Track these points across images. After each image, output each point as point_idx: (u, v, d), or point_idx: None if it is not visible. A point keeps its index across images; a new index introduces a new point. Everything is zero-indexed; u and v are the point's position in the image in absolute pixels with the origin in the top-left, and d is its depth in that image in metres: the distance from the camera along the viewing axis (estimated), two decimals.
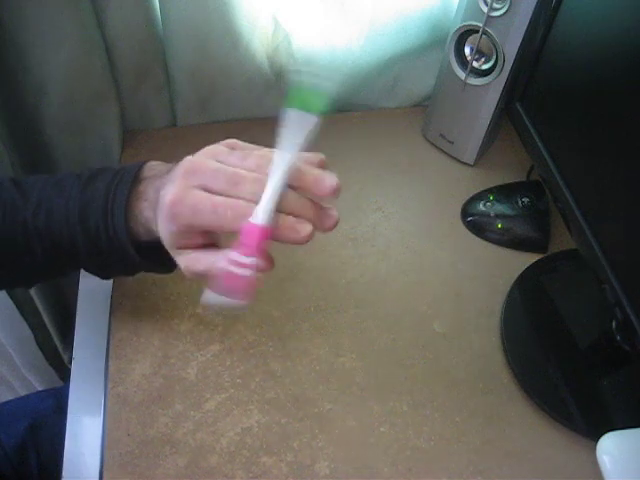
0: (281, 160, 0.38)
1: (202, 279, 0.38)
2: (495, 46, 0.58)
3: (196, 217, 0.37)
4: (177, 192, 0.37)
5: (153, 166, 0.44)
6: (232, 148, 0.40)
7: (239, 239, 0.36)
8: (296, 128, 0.39)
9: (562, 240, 0.62)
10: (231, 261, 0.36)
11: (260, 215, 0.36)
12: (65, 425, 0.51)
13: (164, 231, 0.39)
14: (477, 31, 0.58)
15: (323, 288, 0.56)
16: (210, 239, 0.40)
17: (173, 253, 0.40)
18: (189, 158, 0.39)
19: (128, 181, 0.42)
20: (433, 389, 0.50)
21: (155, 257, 0.44)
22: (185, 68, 0.65)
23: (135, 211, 0.42)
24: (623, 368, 0.53)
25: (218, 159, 0.39)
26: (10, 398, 0.71)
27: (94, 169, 0.45)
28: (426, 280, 0.58)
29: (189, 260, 0.39)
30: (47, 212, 0.43)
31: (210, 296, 0.37)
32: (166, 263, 0.43)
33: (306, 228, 0.37)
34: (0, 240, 0.43)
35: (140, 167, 0.43)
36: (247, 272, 0.36)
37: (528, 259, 0.60)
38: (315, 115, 0.39)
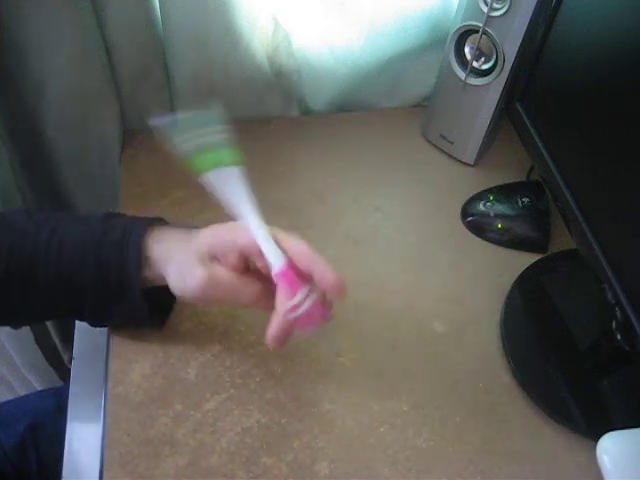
0: (247, 214, 0.41)
1: (213, 302, 0.40)
2: (495, 46, 0.58)
3: (220, 294, 0.42)
4: (198, 278, 0.41)
5: (162, 237, 0.46)
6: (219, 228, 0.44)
7: (280, 291, 0.39)
8: (230, 185, 0.42)
9: (562, 240, 0.62)
10: (292, 309, 0.39)
11: (275, 261, 0.39)
12: (65, 425, 0.51)
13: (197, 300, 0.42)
14: (477, 31, 0.58)
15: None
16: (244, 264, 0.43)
17: (204, 262, 0.42)
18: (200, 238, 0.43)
19: (146, 221, 0.45)
20: (433, 389, 0.50)
21: (152, 308, 0.46)
22: (185, 68, 0.65)
23: (148, 251, 0.44)
24: (623, 368, 0.53)
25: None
26: (10, 398, 0.71)
27: (100, 214, 0.47)
28: (426, 280, 0.58)
29: (225, 279, 0.42)
30: (60, 241, 0.44)
31: (306, 334, 0.40)
32: (158, 317, 0.48)
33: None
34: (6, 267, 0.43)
35: (152, 224, 0.46)
36: (310, 302, 0.38)
37: (528, 259, 0.60)
38: (233, 166, 0.42)
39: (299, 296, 0.39)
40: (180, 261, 0.43)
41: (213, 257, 0.42)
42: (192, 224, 0.47)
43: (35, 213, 0.46)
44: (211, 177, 0.41)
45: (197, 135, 0.42)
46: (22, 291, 0.44)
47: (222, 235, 0.43)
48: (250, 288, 0.42)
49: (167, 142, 0.41)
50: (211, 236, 0.43)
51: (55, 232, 0.44)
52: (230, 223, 0.42)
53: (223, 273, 0.42)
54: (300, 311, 0.39)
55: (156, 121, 0.41)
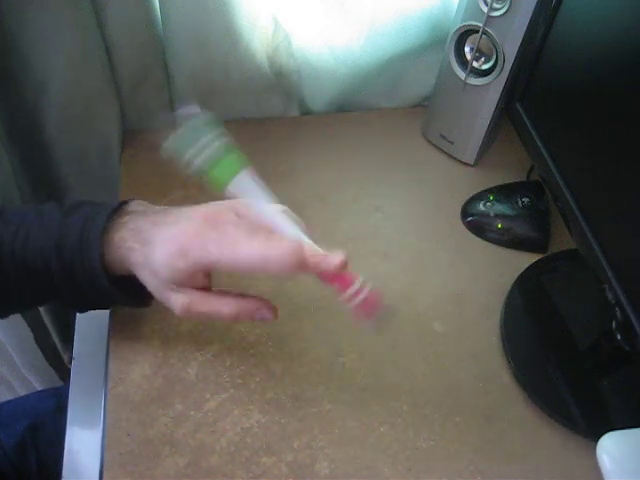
0: (270, 212, 0.41)
1: (196, 319, 0.39)
2: (495, 46, 0.58)
3: (217, 250, 0.38)
4: (197, 227, 0.39)
5: (141, 203, 0.45)
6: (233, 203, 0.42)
7: (337, 286, 0.40)
8: (248, 190, 0.41)
9: (562, 240, 0.62)
10: (350, 297, 0.39)
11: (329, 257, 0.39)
12: (65, 425, 0.50)
13: (169, 265, 0.39)
14: (477, 31, 0.58)
15: (323, 288, 0.56)
16: (206, 282, 0.41)
17: (166, 290, 0.41)
18: (207, 207, 0.41)
19: (106, 213, 0.42)
20: (433, 389, 0.50)
21: (131, 290, 0.44)
22: (185, 68, 0.65)
23: (114, 241, 0.42)
24: (623, 368, 0.53)
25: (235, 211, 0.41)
26: (10, 398, 0.71)
27: (77, 201, 0.45)
28: (426, 280, 0.58)
29: (195, 299, 0.40)
30: (25, 237, 0.42)
31: (370, 326, 0.40)
32: (142, 297, 0.44)
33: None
34: None
35: (125, 201, 0.44)
36: (365, 292, 0.39)
37: (528, 259, 0.60)
38: (244, 170, 0.41)
39: (355, 285, 0.39)
40: (149, 282, 0.42)
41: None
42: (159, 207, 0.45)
43: (3, 212, 0.44)
44: (232, 189, 0.41)
45: (202, 146, 0.41)
46: None
47: (189, 254, 0.40)
48: (227, 303, 0.41)
49: (176, 162, 0.41)
50: (171, 264, 0.40)
51: (19, 230, 0.43)
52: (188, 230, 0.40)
53: (200, 299, 0.41)
54: (360, 297, 0.39)
55: (163, 141, 0.41)
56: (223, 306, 0.41)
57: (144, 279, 0.42)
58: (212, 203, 0.42)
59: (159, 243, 0.40)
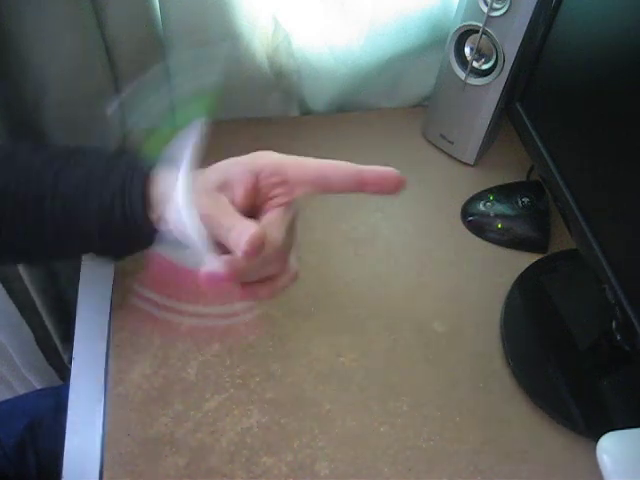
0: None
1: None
2: (495, 46, 0.58)
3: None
4: None
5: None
6: None
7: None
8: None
9: (562, 240, 0.62)
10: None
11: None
12: (64, 424, 0.50)
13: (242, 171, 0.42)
14: (477, 31, 0.58)
15: (323, 288, 0.56)
16: None
17: (228, 214, 0.40)
18: None
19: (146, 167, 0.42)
20: (433, 389, 0.50)
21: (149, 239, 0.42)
22: (185, 68, 0.65)
23: (153, 191, 0.41)
24: (623, 368, 0.53)
25: None
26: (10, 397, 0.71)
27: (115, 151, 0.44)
28: (426, 280, 0.58)
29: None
30: (67, 178, 0.42)
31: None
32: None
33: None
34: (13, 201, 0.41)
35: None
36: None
37: (528, 259, 0.60)
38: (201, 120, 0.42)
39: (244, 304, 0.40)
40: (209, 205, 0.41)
41: (223, 185, 0.41)
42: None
43: (39, 148, 0.44)
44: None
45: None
46: (29, 225, 0.43)
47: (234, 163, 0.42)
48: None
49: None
50: (221, 167, 0.42)
51: (60, 171, 0.42)
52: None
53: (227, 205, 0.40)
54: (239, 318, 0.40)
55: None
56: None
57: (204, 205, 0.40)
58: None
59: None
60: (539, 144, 0.54)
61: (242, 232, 0.37)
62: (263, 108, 0.72)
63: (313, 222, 0.62)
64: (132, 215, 0.42)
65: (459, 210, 0.65)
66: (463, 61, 0.63)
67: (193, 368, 0.50)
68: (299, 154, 0.71)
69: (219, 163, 0.42)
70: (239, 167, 0.42)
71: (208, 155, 0.72)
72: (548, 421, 0.49)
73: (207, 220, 0.39)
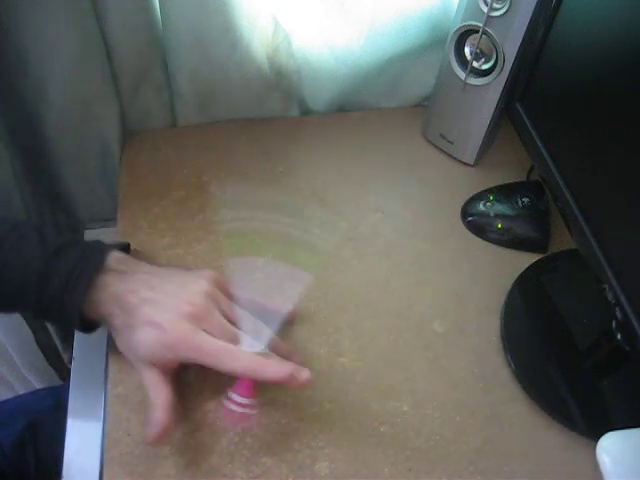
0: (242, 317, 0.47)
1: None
2: (495, 46, 0.58)
3: (199, 355, 0.43)
4: (185, 331, 0.43)
5: (120, 259, 0.47)
6: (215, 294, 0.46)
7: (238, 382, 0.44)
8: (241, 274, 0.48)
9: (562, 240, 0.62)
10: (232, 400, 0.44)
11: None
12: (63, 424, 0.51)
13: (150, 351, 0.43)
14: (477, 31, 0.58)
15: (323, 288, 0.56)
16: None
17: (138, 361, 0.44)
18: (195, 293, 0.45)
19: (92, 269, 0.44)
20: (433, 389, 0.50)
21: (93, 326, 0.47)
22: (185, 68, 0.65)
23: (94, 300, 0.44)
24: (623, 368, 0.53)
25: (218, 306, 0.46)
26: (8, 398, 0.71)
27: (58, 240, 0.45)
28: (426, 280, 0.58)
29: (153, 383, 0.44)
30: (3, 265, 0.43)
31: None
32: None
33: (305, 374, 0.44)
34: None
35: (105, 255, 0.46)
36: (245, 410, 0.44)
37: (528, 259, 0.60)
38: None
39: (246, 400, 0.44)
40: (122, 347, 0.46)
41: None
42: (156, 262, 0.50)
43: None
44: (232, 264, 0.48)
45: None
46: None
47: (163, 352, 0.44)
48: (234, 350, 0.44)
49: None
50: (148, 348, 0.44)
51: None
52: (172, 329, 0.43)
53: (206, 335, 0.44)
54: (236, 409, 0.44)
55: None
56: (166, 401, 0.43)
57: (118, 341, 0.45)
58: (195, 286, 0.46)
59: (142, 324, 0.44)
60: (539, 144, 0.54)
61: (151, 422, 0.42)
62: (263, 108, 0.72)
63: (313, 222, 0.62)
64: (68, 318, 0.45)
65: (459, 210, 0.65)
66: (463, 61, 0.63)
67: (193, 368, 0.50)
68: (299, 154, 0.72)
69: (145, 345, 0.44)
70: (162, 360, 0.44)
71: (208, 155, 0.72)
72: (548, 421, 0.49)
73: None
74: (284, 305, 0.51)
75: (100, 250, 0.46)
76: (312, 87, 0.71)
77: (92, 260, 0.45)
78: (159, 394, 0.43)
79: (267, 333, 0.47)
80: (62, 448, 0.49)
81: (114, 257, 0.46)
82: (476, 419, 0.48)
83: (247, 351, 0.44)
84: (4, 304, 0.47)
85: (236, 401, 0.44)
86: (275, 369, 0.43)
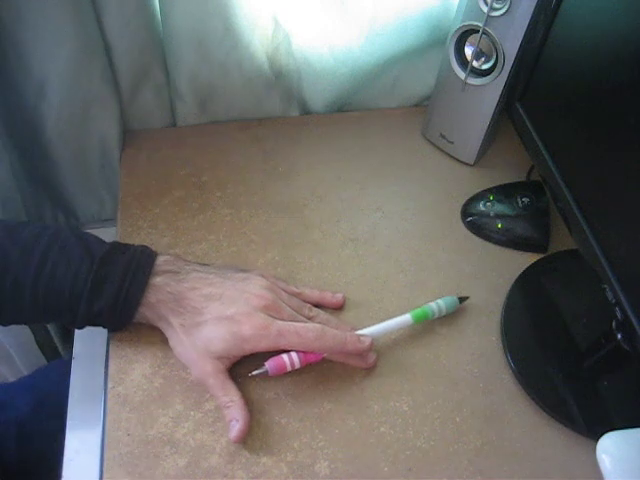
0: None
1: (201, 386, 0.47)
2: (495, 46, 0.58)
3: (281, 340, 0.45)
4: (262, 320, 0.45)
5: (169, 261, 0.48)
6: (275, 287, 0.49)
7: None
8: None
9: (562, 240, 0.62)
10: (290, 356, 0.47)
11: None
12: (67, 401, 0.51)
13: (226, 346, 0.45)
14: (477, 31, 0.58)
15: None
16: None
17: (204, 359, 0.45)
18: (259, 287, 0.47)
19: (144, 275, 0.45)
20: (433, 389, 0.50)
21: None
22: (185, 68, 0.65)
23: (149, 302, 0.45)
24: (623, 368, 0.53)
25: (281, 298, 0.48)
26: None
27: (104, 248, 0.46)
28: (426, 280, 0.58)
29: (223, 381, 0.46)
30: (50, 277, 0.43)
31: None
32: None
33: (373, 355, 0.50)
34: None
35: (153, 258, 0.47)
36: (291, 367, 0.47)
37: (528, 259, 0.60)
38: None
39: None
40: (180, 343, 0.47)
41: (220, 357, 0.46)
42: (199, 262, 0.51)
43: (13, 230, 0.45)
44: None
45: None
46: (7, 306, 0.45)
47: (233, 343, 0.45)
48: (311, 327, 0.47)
49: None
50: (224, 342, 0.45)
51: (43, 267, 0.43)
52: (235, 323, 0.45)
53: (227, 378, 0.46)
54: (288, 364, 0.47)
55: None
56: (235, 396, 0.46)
57: (178, 341, 0.46)
58: (255, 281, 0.48)
59: (214, 320, 0.45)
60: (539, 144, 0.54)
61: (234, 417, 0.44)
62: (263, 108, 0.72)
63: (313, 222, 0.62)
64: (120, 318, 0.46)
65: (459, 210, 0.65)
66: (463, 61, 0.63)
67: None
68: (299, 154, 0.72)
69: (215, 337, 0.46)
70: (230, 353, 0.47)
71: (208, 155, 0.72)
72: (548, 421, 0.49)
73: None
74: (335, 294, 0.54)
75: (148, 254, 0.47)
76: (312, 87, 0.72)
77: (142, 264, 0.46)
78: (232, 390, 0.45)
79: (329, 318, 0.51)
80: (62, 447, 0.49)
81: (163, 259, 0.47)
82: (476, 419, 0.48)
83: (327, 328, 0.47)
84: (51, 316, 0.47)
85: (292, 359, 0.47)
86: (355, 344, 0.47)
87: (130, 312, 0.45)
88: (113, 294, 0.44)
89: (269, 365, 0.47)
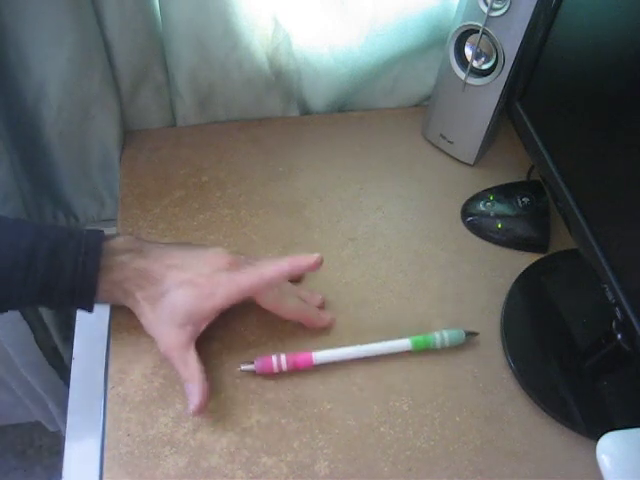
0: None
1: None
2: (495, 46, 0.58)
3: (242, 288, 0.47)
4: (220, 276, 0.46)
5: (131, 240, 0.48)
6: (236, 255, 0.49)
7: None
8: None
9: (562, 240, 0.62)
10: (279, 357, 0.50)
11: None
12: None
13: (188, 309, 0.46)
14: (477, 31, 0.58)
15: (323, 288, 0.56)
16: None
17: (170, 328, 0.46)
18: (219, 251, 0.49)
19: (95, 257, 0.45)
20: (433, 389, 0.50)
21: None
22: (185, 68, 0.65)
23: (112, 280, 0.45)
24: (623, 368, 0.53)
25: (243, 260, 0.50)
26: (8, 398, 0.70)
27: (52, 234, 0.45)
28: (426, 280, 0.58)
29: (190, 357, 0.46)
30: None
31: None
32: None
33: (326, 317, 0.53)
34: None
35: (102, 238, 0.46)
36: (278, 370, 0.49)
37: (528, 259, 0.60)
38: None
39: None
40: (152, 321, 0.47)
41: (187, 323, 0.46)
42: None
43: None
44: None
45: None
46: None
47: (200, 305, 0.46)
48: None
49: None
50: (185, 304, 0.46)
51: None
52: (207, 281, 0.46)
53: (189, 352, 0.46)
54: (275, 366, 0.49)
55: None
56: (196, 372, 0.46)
57: (145, 315, 0.47)
58: (214, 248, 0.49)
59: (175, 286, 0.46)
60: (539, 144, 0.54)
61: (192, 392, 0.45)
62: (263, 108, 0.72)
63: (313, 222, 0.62)
64: (78, 307, 0.47)
65: (459, 210, 0.65)
66: (463, 61, 0.63)
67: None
68: (299, 154, 0.72)
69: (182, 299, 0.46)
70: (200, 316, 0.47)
71: (208, 155, 0.72)
72: (548, 421, 0.49)
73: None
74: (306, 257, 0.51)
75: (94, 236, 0.46)
76: (312, 87, 0.71)
77: (91, 251, 0.45)
78: (193, 365, 0.46)
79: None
80: (62, 447, 0.49)
81: (123, 239, 0.47)
82: (476, 419, 0.49)
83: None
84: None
85: (280, 361, 0.48)
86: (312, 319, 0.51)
87: (88, 295, 0.45)
88: (70, 279, 0.44)
89: (256, 362, 0.48)
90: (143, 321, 0.47)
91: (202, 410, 0.45)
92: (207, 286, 0.46)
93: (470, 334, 0.52)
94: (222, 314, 0.53)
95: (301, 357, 0.49)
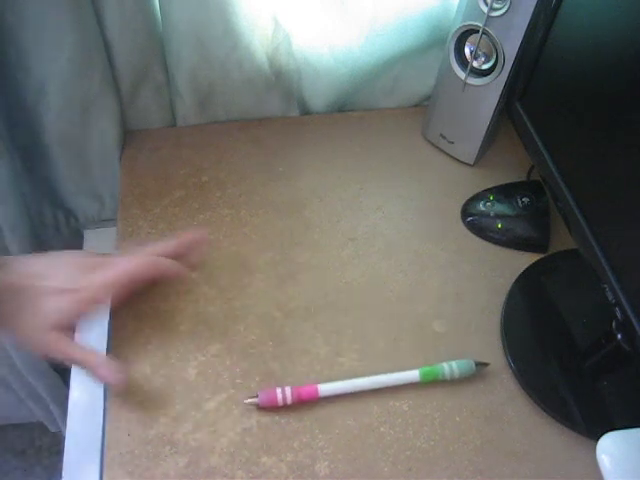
0: None
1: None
2: (495, 46, 0.58)
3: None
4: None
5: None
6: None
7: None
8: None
9: (562, 240, 0.62)
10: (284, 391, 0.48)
11: None
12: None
13: (61, 312, 0.47)
14: (477, 31, 0.58)
15: (323, 288, 0.56)
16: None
17: (45, 332, 0.47)
18: (72, 254, 0.52)
19: None
20: (433, 389, 0.50)
21: None
22: (185, 68, 0.65)
23: None
24: (623, 368, 0.53)
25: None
26: (9, 399, 0.70)
27: None
28: (426, 280, 0.58)
29: (70, 344, 0.48)
30: None
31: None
32: None
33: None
34: None
35: None
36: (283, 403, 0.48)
37: (528, 259, 0.60)
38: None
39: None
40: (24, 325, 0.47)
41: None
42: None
43: None
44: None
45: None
46: None
47: (69, 307, 0.47)
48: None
49: None
50: (59, 310, 0.47)
51: None
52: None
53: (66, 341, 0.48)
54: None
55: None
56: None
57: (15, 326, 0.47)
58: (68, 252, 0.51)
59: (43, 296, 0.46)
60: (539, 144, 0.54)
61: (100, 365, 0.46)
62: (263, 108, 0.72)
63: (313, 222, 0.62)
64: None
65: (459, 210, 0.65)
66: (463, 61, 0.63)
67: (193, 368, 0.50)
68: (299, 154, 0.72)
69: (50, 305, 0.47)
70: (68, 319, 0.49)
71: (208, 155, 0.72)
72: (548, 421, 0.49)
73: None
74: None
75: None
76: (312, 87, 0.71)
77: None
78: (81, 349, 0.48)
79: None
80: (62, 446, 0.49)
81: None
82: (476, 419, 0.49)
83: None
84: None
85: (285, 394, 0.47)
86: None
87: None
88: None
89: (261, 395, 0.47)
90: (18, 332, 0.48)
91: (118, 376, 0.46)
92: (72, 289, 0.47)
93: (480, 364, 0.51)
94: (222, 314, 0.53)
95: (306, 390, 0.48)
